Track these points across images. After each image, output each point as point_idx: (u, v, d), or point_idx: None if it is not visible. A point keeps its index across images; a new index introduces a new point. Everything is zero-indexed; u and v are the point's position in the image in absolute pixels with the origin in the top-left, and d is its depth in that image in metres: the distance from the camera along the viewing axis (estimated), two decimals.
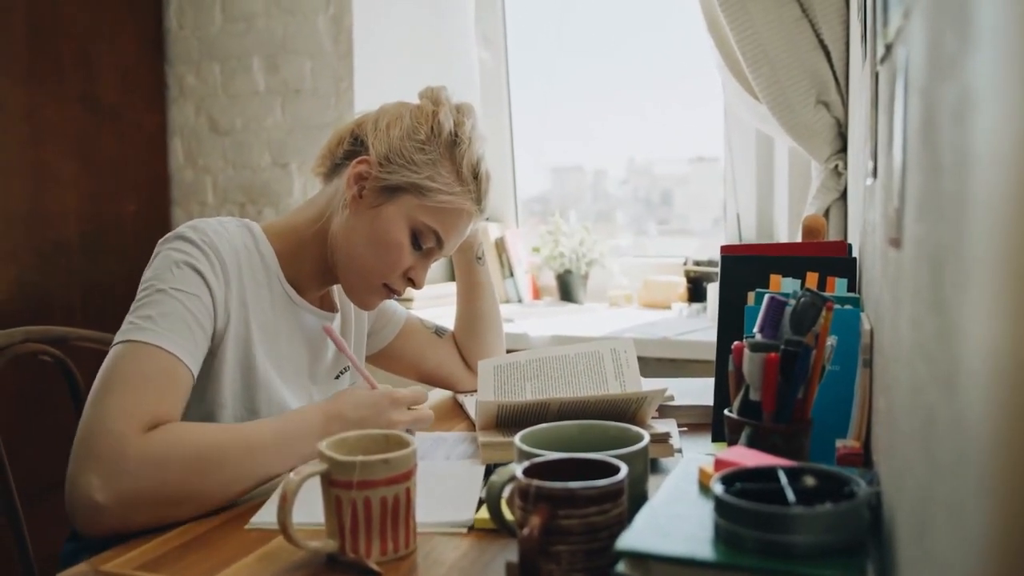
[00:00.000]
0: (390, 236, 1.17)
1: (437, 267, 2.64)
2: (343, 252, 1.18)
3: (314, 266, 1.21)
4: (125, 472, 0.90)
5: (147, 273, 1.07)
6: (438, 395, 1.51)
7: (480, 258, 1.46)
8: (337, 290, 1.32)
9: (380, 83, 2.50)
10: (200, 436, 0.96)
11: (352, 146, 1.21)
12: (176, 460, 0.92)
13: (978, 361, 0.34)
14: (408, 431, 1.09)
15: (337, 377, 1.29)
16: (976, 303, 0.35)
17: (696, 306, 2.35)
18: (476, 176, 1.20)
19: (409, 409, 1.10)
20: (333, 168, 1.23)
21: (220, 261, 1.08)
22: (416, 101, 1.24)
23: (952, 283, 0.41)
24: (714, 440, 1.16)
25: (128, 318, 1.03)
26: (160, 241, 1.10)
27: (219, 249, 1.09)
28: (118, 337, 1.01)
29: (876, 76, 0.90)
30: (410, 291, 2.39)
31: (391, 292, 1.22)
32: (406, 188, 1.16)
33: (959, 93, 0.39)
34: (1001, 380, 0.31)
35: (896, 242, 0.67)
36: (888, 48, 0.76)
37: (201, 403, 1.10)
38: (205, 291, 1.06)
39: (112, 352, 1.00)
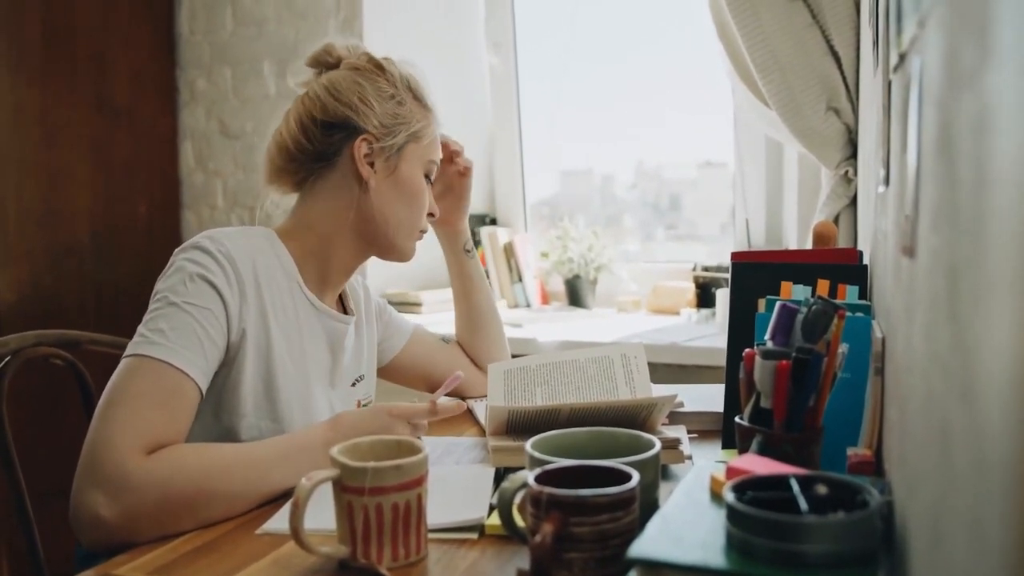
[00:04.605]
0: (415, 187, 1.24)
1: (441, 272, 2.64)
2: (381, 223, 1.22)
3: (337, 263, 1.22)
4: (129, 490, 0.90)
5: (160, 283, 1.07)
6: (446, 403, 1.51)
7: (469, 251, 1.48)
8: (351, 292, 1.32)
9: None
10: (204, 454, 0.97)
11: (326, 137, 1.20)
12: (180, 478, 0.93)
13: (996, 372, 0.34)
14: (417, 437, 1.09)
15: (354, 384, 1.30)
16: (994, 315, 0.35)
17: (705, 312, 2.35)
18: (424, 96, 1.26)
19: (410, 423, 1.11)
20: (311, 169, 1.22)
21: (236, 272, 1.08)
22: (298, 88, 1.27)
23: (969, 295, 0.41)
24: (724, 447, 1.15)
25: (140, 329, 1.03)
26: (176, 251, 1.09)
27: (235, 259, 1.08)
28: (129, 349, 1.01)
29: (889, 84, 0.90)
30: (420, 296, 2.40)
31: (422, 233, 1.29)
32: (406, 142, 1.22)
33: (978, 107, 0.39)
34: (1021, 391, 0.31)
35: (909, 251, 0.67)
36: (902, 57, 0.76)
37: (219, 415, 1.09)
38: (219, 304, 1.05)
39: (122, 365, 1.00)
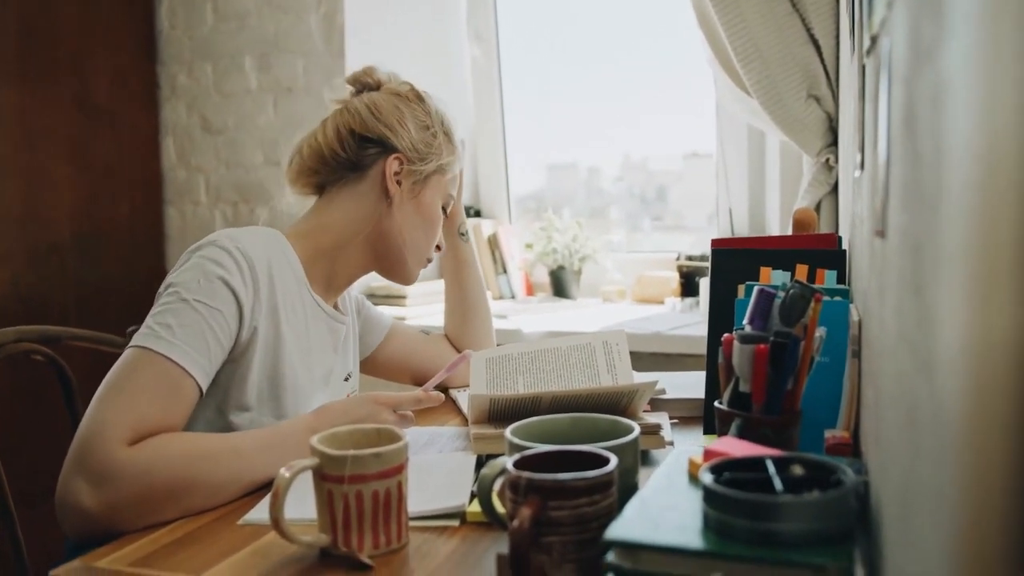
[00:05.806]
0: (434, 216, 1.29)
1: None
2: (397, 241, 1.26)
3: (343, 269, 1.25)
4: (113, 479, 0.90)
5: (174, 276, 1.07)
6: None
7: (464, 234, 1.49)
8: (343, 296, 1.34)
9: None
10: (188, 442, 0.97)
11: (361, 149, 1.24)
12: (163, 466, 0.93)
13: (952, 347, 0.35)
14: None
15: (346, 379, 1.31)
16: (949, 290, 0.35)
17: (689, 300, 2.36)
18: (453, 135, 1.32)
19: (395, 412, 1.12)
20: (340, 176, 1.25)
21: (252, 270, 1.08)
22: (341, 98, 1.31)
23: (929, 271, 0.41)
24: (706, 433, 1.16)
25: (148, 321, 1.03)
26: (192, 247, 1.10)
27: (252, 258, 1.09)
28: (134, 340, 1.01)
29: (863, 68, 0.90)
30: (403, 288, 2.40)
31: (428, 262, 1.34)
32: (433, 172, 1.27)
33: (935, 82, 0.39)
34: (971, 364, 0.31)
35: (881, 232, 0.68)
36: (873, 40, 0.77)
37: (224, 409, 1.10)
38: (232, 305, 1.05)
39: (125, 355, 1.00)
